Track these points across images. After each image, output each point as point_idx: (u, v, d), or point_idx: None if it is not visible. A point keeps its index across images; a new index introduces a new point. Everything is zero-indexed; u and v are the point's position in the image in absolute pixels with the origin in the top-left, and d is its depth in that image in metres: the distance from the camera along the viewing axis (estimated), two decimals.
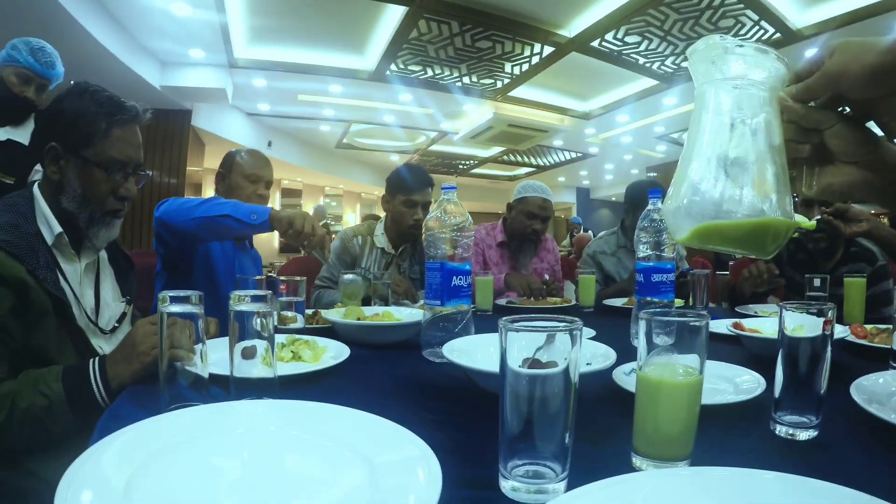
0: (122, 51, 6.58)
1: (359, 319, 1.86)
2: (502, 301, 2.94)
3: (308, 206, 14.24)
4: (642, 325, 0.80)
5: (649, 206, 1.68)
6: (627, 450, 0.83)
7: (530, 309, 2.80)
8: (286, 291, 1.84)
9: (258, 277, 2.08)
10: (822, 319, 0.92)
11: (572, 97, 9.58)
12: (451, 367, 1.17)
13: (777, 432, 0.97)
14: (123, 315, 1.79)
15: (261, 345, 1.00)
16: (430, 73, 8.20)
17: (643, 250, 1.70)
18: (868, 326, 1.83)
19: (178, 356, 1.01)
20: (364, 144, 13.63)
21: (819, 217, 2.51)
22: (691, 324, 0.77)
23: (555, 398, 0.69)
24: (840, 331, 1.65)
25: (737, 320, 1.90)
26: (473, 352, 1.24)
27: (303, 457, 0.80)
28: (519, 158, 14.87)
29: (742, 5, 5.72)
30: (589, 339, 1.46)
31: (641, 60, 7.51)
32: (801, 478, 0.64)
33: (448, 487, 0.65)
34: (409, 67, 7.97)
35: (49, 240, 1.57)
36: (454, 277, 1.53)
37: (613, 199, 20.15)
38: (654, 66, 7.74)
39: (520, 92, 9.10)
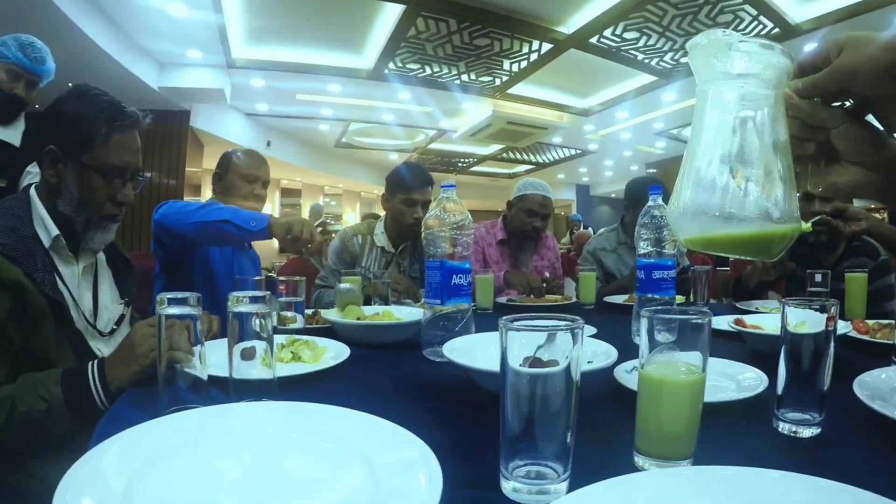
0: (119, 52, 6.58)
1: (359, 319, 1.85)
2: (503, 299, 2.93)
3: (307, 206, 14.22)
4: (644, 323, 0.79)
5: (649, 203, 1.67)
6: (629, 449, 0.83)
7: (531, 307, 2.80)
8: (286, 292, 1.84)
9: (257, 278, 2.07)
10: (825, 315, 0.91)
11: (571, 94, 9.59)
12: (452, 366, 1.17)
13: (780, 430, 0.97)
14: (122, 317, 1.78)
15: (260, 346, 0.99)
16: (428, 71, 8.20)
17: (644, 247, 1.70)
18: (870, 322, 1.83)
19: (177, 358, 1.01)
20: (363, 143, 13.64)
21: (818, 218, 2.50)
22: (693, 321, 0.76)
23: (556, 397, 0.68)
24: (842, 326, 1.64)
25: (738, 317, 1.90)
26: (474, 351, 1.24)
27: (302, 458, 0.80)
28: (518, 156, 14.89)
29: (740, 0, 5.71)
30: (590, 336, 1.46)
31: (640, 56, 7.51)
32: (805, 476, 0.63)
33: (449, 488, 0.64)
34: (408, 66, 7.97)
35: (46, 242, 1.56)
36: (454, 276, 1.53)
37: (613, 195, 20.15)
38: (653, 62, 7.74)
39: (518, 89, 9.11)
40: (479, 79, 8.59)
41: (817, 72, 0.74)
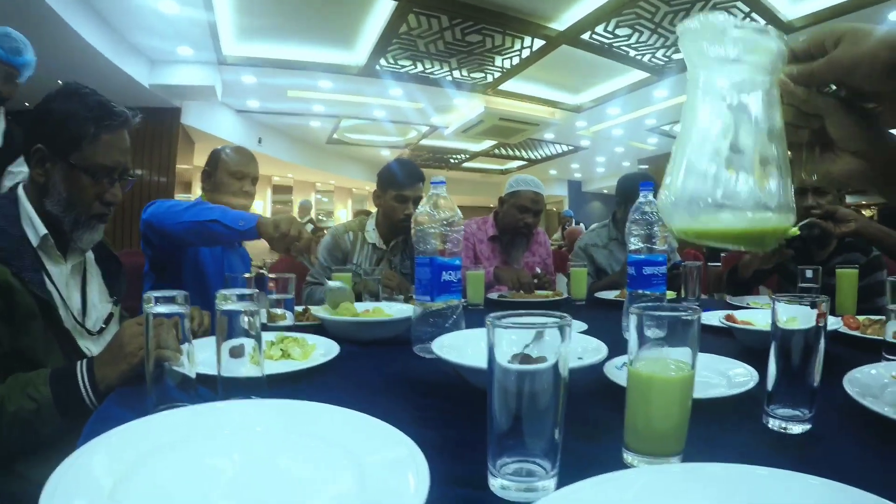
0: (110, 49, 6.56)
1: (349, 316, 1.85)
2: (494, 295, 2.93)
3: (299, 203, 14.21)
4: (633, 320, 0.79)
5: (640, 199, 1.67)
6: (619, 446, 0.82)
7: (521, 303, 2.80)
8: (276, 289, 1.83)
9: (247, 275, 2.06)
10: (816, 311, 0.91)
11: (563, 90, 9.59)
12: (442, 363, 1.16)
13: (770, 426, 0.97)
14: (111, 316, 1.77)
15: (248, 343, 0.98)
16: (420, 67, 8.20)
17: (635, 243, 1.69)
18: (860, 318, 1.83)
19: (165, 356, 1.00)
20: (354, 140, 13.63)
21: (807, 221, 2.51)
22: (683, 317, 0.76)
23: (544, 394, 0.68)
24: (832, 322, 1.65)
25: (729, 312, 1.90)
26: (464, 347, 1.24)
27: (290, 456, 0.79)
28: (510, 152, 14.90)
29: None
30: (581, 332, 1.46)
31: (632, 53, 7.52)
32: (794, 473, 0.63)
33: (437, 486, 0.64)
34: (399, 62, 7.97)
35: (34, 242, 1.55)
36: (444, 272, 1.52)
37: (605, 191, 20.18)
38: (645, 59, 7.75)
39: (510, 85, 9.11)
40: (471, 75, 8.59)
41: (810, 60, 0.73)
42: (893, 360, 1.38)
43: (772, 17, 6.06)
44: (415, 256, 1.61)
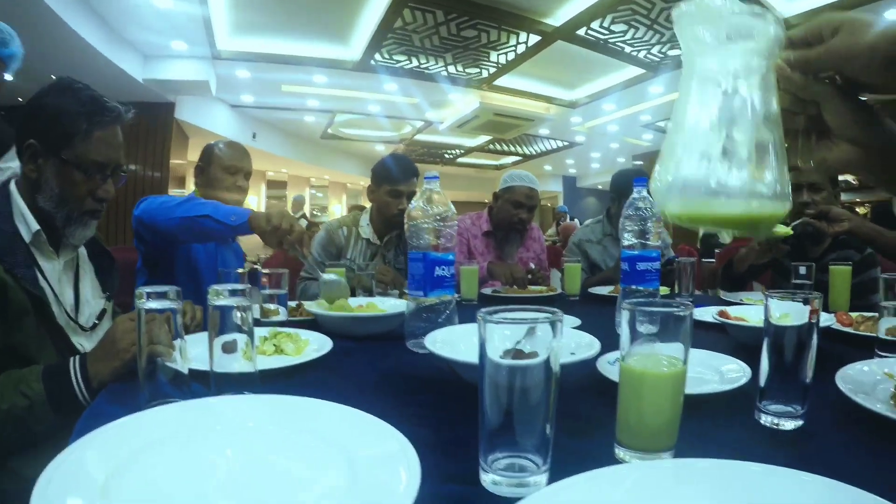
0: (104, 44, 6.54)
1: (343, 311, 1.84)
2: (487, 290, 2.93)
3: (292, 198, 14.20)
4: (625, 315, 0.79)
5: (634, 195, 1.67)
6: (611, 441, 0.82)
7: (515, 298, 2.80)
8: (269, 284, 1.83)
9: (240, 270, 2.06)
10: (809, 308, 0.92)
11: (558, 86, 9.60)
12: (435, 358, 1.16)
13: (762, 422, 0.97)
14: (103, 312, 1.77)
15: (241, 339, 0.98)
16: (415, 62, 8.19)
17: (628, 238, 1.69)
18: (854, 314, 1.84)
19: (157, 352, 0.99)
20: (349, 135, 13.61)
21: (800, 221, 2.51)
22: (675, 313, 0.76)
23: (535, 389, 0.68)
24: (825, 318, 1.65)
25: (722, 308, 1.91)
26: (457, 342, 1.23)
27: (282, 452, 0.79)
28: (505, 147, 14.90)
29: None
30: (574, 327, 1.46)
31: (627, 49, 7.52)
32: (786, 469, 0.63)
33: (428, 482, 0.64)
34: (394, 57, 7.96)
35: (27, 238, 1.55)
36: (437, 267, 1.52)
37: (600, 187, 20.21)
38: (641, 55, 7.75)
39: (505, 81, 9.11)
40: (466, 70, 8.59)
41: (807, 47, 0.72)
42: (886, 356, 1.38)
43: None
44: (408, 251, 1.60)
